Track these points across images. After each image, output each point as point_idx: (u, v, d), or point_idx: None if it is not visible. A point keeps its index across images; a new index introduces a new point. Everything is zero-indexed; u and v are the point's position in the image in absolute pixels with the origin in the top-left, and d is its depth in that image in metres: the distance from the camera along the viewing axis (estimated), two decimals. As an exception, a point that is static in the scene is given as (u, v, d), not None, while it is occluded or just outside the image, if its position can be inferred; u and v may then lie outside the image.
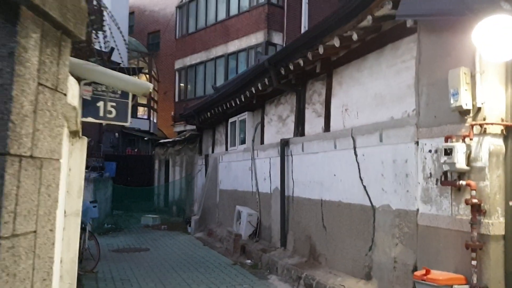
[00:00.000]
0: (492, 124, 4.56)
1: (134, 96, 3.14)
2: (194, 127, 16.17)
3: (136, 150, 22.62)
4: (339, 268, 6.96)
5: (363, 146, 6.54)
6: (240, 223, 10.30)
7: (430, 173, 5.22)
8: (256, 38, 17.24)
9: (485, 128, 4.58)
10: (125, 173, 18.97)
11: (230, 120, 12.47)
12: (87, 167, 14.23)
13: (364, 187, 6.46)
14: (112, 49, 8.89)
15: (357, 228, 6.58)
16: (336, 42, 6.65)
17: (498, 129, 4.56)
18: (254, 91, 10.01)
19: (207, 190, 13.82)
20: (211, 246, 11.27)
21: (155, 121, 25.97)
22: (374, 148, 6.29)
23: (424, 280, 4.64)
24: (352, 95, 7.07)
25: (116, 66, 8.73)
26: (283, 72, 8.51)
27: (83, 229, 8.24)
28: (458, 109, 4.76)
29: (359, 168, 6.62)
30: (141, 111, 25.31)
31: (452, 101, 4.79)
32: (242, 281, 7.82)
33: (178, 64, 21.48)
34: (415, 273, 4.87)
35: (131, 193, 18.46)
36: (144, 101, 24.87)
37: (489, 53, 4.40)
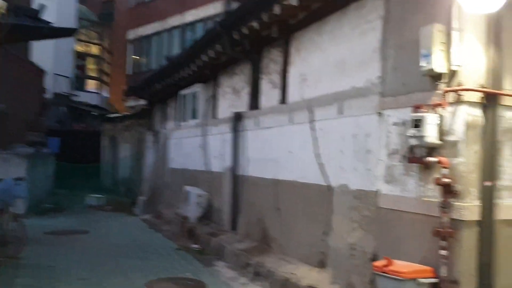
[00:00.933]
0: (469, 90, 3.87)
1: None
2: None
3: (83, 125, 21.23)
4: (292, 254, 6.28)
5: (322, 119, 5.82)
6: (188, 205, 9.48)
7: (395, 149, 4.53)
8: (215, 7, 16.21)
9: (461, 96, 3.89)
10: (71, 150, 17.67)
11: (182, 93, 11.52)
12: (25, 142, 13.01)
13: (322, 165, 5.75)
14: (42, 6, 7.79)
15: (313, 210, 5.90)
16: (294, 1, 5.84)
17: (476, 97, 3.89)
18: (206, 60, 9.12)
19: (156, 169, 12.90)
20: (157, 229, 10.42)
21: (106, 95, 24.51)
22: (334, 121, 5.57)
23: (386, 272, 3.97)
24: (311, 63, 6.31)
25: (44, 25, 7.62)
26: (237, 37, 7.67)
27: (0, 210, 7.22)
28: (430, 73, 4.06)
29: (316, 144, 5.90)
30: (90, 84, 23.78)
31: (423, 64, 4.08)
32: (184, 269, 7.02)
33: (132, 34, 20.19)
34: (375, 263, 4.19)
35: (76, 171, 17.24)
36: (94, 74, 23.37)
37: (471, 4, 3.68)
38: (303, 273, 5.64)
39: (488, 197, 3.87)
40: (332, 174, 5.54)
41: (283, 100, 6.96)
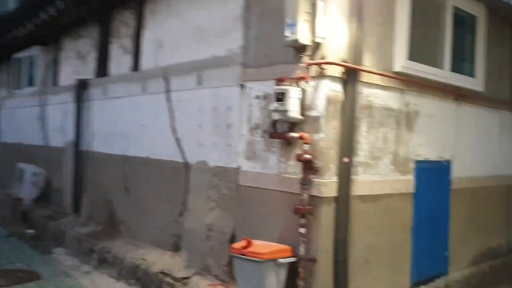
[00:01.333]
0: (332, 64, 3.75)
1: None
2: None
3: None
4: (143, 238, 5.76)
5: (179, 90, 5.34)
6: (22, 185, 8.25)
7: (257, 124, 4.29)
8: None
9: (324, 70, 3.75)
10: None
11: (16, 56, 9.97)
12: None
13: (178, 140, 5.30)
14: None
15: (167, 189, 5.45)
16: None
17: (337, 71, 3.79)
18: (46, 19, 7.87)
19: (-17, 143, 11.07)
20: (-17, 214, 8.92)
21: None
22: (192, 92, 5.13)
23: (245, 254, 3.72)
24: (168, 28, 5.76)
25: None
26: (83, -6, 6.70)
27: None
28: (294, 44, 3.86)
29: (172, 117, 5.41)
30: None
31: (288, 34, 3.85)
32: (15, 258, 6.02)
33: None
34: (234, 245, 3.92)
35: None
36: None
37: (338, -28, 3.53)
38: (155, 258, 5.18)
39: (345, 173, 3.83)
40: (189, 150, 5.12)
41: (135, 67, 6.30)
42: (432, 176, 4.77)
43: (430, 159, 4.74)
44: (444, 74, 4.76)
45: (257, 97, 4.29)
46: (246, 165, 4.33)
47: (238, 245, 3.85)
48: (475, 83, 5.23)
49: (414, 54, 4.41)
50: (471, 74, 5.22)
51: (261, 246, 3.78)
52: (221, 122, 4.69)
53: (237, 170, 4.43)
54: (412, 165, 4.52)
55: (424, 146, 4.65)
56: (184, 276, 4.69)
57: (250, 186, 4.28)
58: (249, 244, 3.75)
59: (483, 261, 5.46)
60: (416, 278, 4.56)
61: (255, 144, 4.26)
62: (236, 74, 4.53)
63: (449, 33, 4.81)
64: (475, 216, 5.36)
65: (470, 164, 5.26)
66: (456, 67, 4.94)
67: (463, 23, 5.12)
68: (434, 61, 4.74)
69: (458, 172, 5.06)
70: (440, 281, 4.82)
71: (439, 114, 4.82)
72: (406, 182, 4.47)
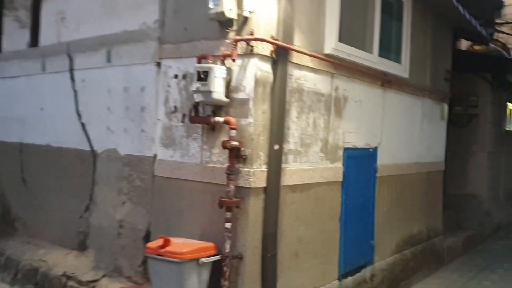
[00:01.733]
0: (262, 41, 3.38)
1: None
2: None
3: None
4: (43, 236, 5.10)
5: (85, 68, 4.73)
6: None
7: (175, 107, 3.83)
8: None
9: (252, 47, 3.37)
10: None
11: None
12: None
13: (83, 125, 4.69)
14: None
15: (71, 181, 4.83)
16: None
17: (267, 50, 3.42)
18: None
19: None
20: None
21: None
22: (100, 71, 4.54)
23: (162, 255, 3.26)
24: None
25: None
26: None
27: None
28: (219, 17, 3.44)
29: (76, 99, 4.78)
30: None
31: (211, 6, 3.42)
32: None
33: None
34: (149, 244, 3.44)
35: None
36: None
37: None
38: (57, 259, 4.58)
39: (275, 162, 3.50)
40: (97, 137, 4.53)
41: (34, 42, 5.54)
42: (360, 163, 4.61)
43: (358, 147, 4.58)
44: (372, 59, 4.59)
45: (176, 76, 3.83)
46: (163, 154, 3.85)
47: (154, 244, 3.39)
48: (400, 69, 5.15)
49: (344, 37, 4.17)
50: (397, 60, 5.13)
51: (180, 244, 3.34)
52: (134, 105, 4.15)
53: (152, 159, 3.94)
54: (341, 153, 4.32)
55: (352, 133, 4.46)
56: (91, 279, 4.18)
57: (167, 177, 3.81)
58: (166, 242, 3.30)
59: (406, 248, 5.46)
60: (344, 269, 4.39)
61: (174, 130, 3.79)
62: (151, 50, 4.03)
63: (378, 16, 4.64)
64: (399, 204, 5.33)
65: (394, 151, 5.19)
66: (383, 53, 4.80)
67: (391, 8, 4.99)
68: (363, 45, 4.54)
69: (383, 160, 4.96)
70: (367, 271, 4.71)
71: (367, 100, 4.66)
72: (335, 170, 4.26)
